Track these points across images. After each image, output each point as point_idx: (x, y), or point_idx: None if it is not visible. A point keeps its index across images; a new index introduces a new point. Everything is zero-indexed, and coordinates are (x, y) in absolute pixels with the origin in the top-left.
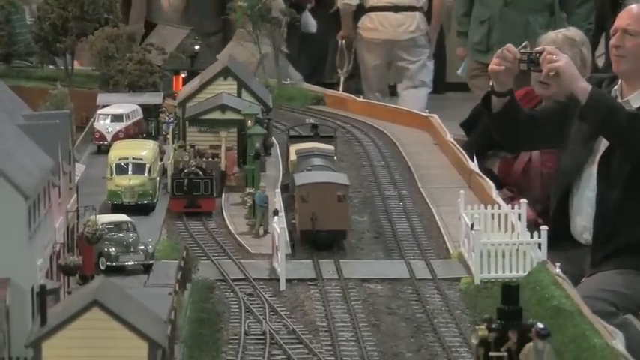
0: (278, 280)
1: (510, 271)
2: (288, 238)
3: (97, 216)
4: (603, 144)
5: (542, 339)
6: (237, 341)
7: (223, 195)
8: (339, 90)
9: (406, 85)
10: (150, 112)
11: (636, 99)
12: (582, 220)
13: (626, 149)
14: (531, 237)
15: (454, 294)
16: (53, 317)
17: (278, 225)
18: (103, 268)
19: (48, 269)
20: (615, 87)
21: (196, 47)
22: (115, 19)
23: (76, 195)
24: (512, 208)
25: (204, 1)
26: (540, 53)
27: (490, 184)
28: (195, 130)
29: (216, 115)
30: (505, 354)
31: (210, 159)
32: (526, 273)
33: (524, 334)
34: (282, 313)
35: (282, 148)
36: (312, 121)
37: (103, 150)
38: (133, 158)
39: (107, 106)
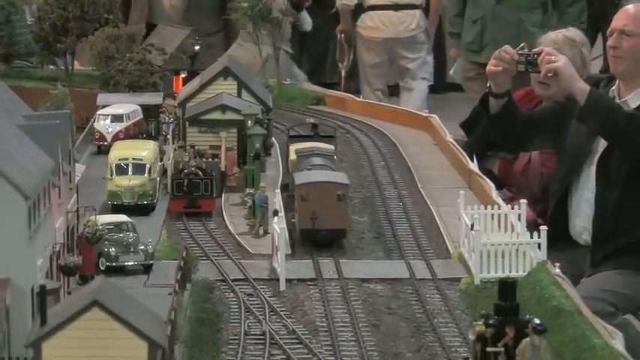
0: (278, 280)
1: (510, 272)
2: (288, 238)
3: (97, 216)
4: (602, 144)
5: (538, 334)
6: (237, 341)
7: (223, 195)
8: (340, 88)
9: (407, 83)
10: (150, 112)
11: (634, 99)
12: (581, 221)
13: (625, 149)
14: (531, 237)
15: (454, 294)
16: (53, 317)
17: (278, 225)
18: (102, 268)
19: (48, 269)
20: (613, 87)
21: (196, 47)
22: (115, 19)
23: (76, 195)
24: (512, 209)
25: (205, 2)
26: (538, 54)
27: (490, 185)
28: (196, 130)
29: (217, 116)
30: (502, 349)
31: (210, 159)
32: (526, 273)
33: (521, 330)
34: (282, 313)
35: (282, 148)
36: (312, 120)
37: (103, 150)
38: (133, 158)
39: (107, 106)
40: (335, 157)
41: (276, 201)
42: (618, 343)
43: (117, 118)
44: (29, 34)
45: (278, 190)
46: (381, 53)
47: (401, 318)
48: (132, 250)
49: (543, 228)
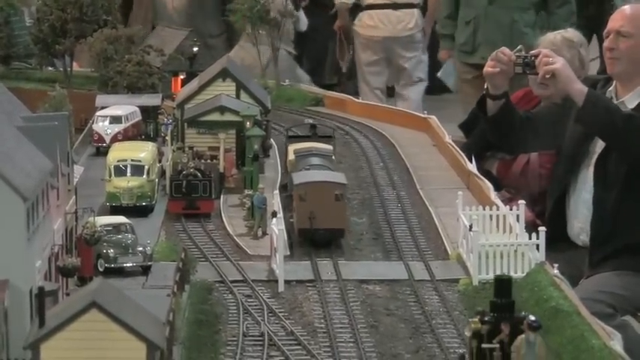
0: (276, 281)
1: (509, 272)
2: (286, 239)
3: (96, 218)
4: (599, 145)
5: (533, 331)
6: (235, 343)
7: (222, 196)
8: (339, 89)
9: (404, 84)
10: (148, 113)
11: (631, 100)
12: (579, 222)
13: (623, 150)
14: (529, 238)
15: (452, 295)
16: (51, 319)
17: (276, 226)
18: (101, 269)
19: (46, 271)
20: (610, 88)
21: (195, 49)
22: (114, 20)
23: (74, 197)
24: (511, 210)
25: (208, 4)
26: (536, 56)
27: (488, 186)
28: (194, 131)
29: (215, 117)
30: (497, 346)
31: (208, 160)
32: (524, 274)
33: (516, 327)
34: (280, 314)
35: (281, 149)
36: (310, 121)
37: (102, 152)
38: (132, 160)
39: (106, 107)
40: (333, 157)
41: (275, 202)
42: (617, 344)
43: (115, 120)
44: (28, 35)
45: (276, 192)
46: (379, 52)
47: (399, 319)
48: (130, 251)
49: (542, 229)
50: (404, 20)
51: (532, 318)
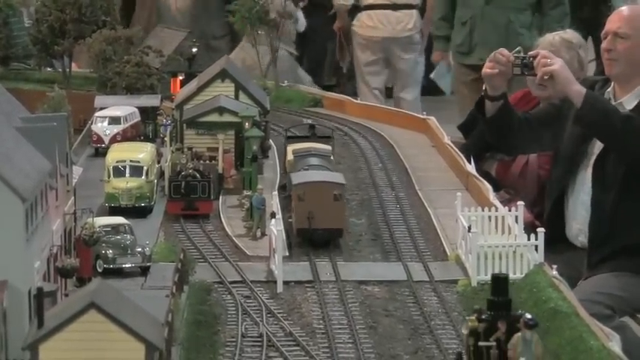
0: (275, 282)
1: (507, 274)
2: (285, 240)
3: (95, 218)
4: (597, 147)
5: (530, 329)
6: (234, 344)
7: (221, 197)
8: (338, 90)
9: (402, 85)
10: (147, 114)
11: (630, 101)
12: (577, 223)
13: (621, 152)
14: (528, 239)
15: (451, 296)
16: (50, 320)
17: (275, 227)
18: (100, 270)
19: (45, 272)
20: (608, 89)
21: (194, 50)
22: (113, 21)
23: (73, 197)
24: (510, 211)
25: (211, 5)
26: (534, 57)
27: (487, 187)
28: (193, 132)
29: (214, 118)
30: (494, 344)
31: (207, 161)
32: (523, 275)
33: (512, 325)
34: (279, 315)
35: (280, 150)
36: (309, 121)
37: (101, 152)
38: (131, 161)
39: (105, 108)
40: (332, 158)
41: (274, 203)
42: (615, 345)
43: (114, 121)
44: (27, 36)
45: (275, 192)
46: (377, 52)
47: (398, 320)
48: (129, 252)
49: (540, 230)
50: (403, 21)
51: (528, 316)
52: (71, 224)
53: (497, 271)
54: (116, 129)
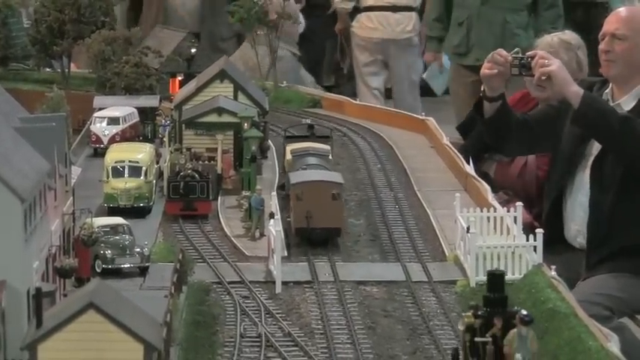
0: (274, 282)
1: (506, 274)
2: (284, 240)
3: (93, 219)
4: (595, 148)
5: (525, 325)
6: (232, 344)
7: (219, 198)
8: (337, 90)
9: (400, 88)
10: (146, 114)
11: (627, 102)
12: (576, 224)
13: (619, 152)
14: (527, 240)
15: (450, 297)
16: (49, 320)
17: (274, 228)
18: (98, 270)
19: (44, 272)
20: (606, 90)
21: (193, 50)
22: (112, 22)
23: (72, 198)
24: (508, 211)
25: (218, 6)
26: (532, 58)
27: (486, 187)
28: (192, 132)
29: (213, 118)
30: (490, 339)
31: (206, 162)
32: (522, 276)
33: (508, 321)
34: (277, 315)
35: (279, 150)
36: (308, 121)
37: (100, 153)
38: (130, 161)
39: (103, 108)
40: (330, 157)
41: (273, 203)
42: (614, 346)
43: (113, 121)
44: (26, 36)
45: (274, 193)
46: (376, 53)
47: (397, 320)
48: (128, 252)
49: (539, 231)
50: (402, 23)
51: (524, 312)
52: (70, 224)
53: None
54: (115, 129)
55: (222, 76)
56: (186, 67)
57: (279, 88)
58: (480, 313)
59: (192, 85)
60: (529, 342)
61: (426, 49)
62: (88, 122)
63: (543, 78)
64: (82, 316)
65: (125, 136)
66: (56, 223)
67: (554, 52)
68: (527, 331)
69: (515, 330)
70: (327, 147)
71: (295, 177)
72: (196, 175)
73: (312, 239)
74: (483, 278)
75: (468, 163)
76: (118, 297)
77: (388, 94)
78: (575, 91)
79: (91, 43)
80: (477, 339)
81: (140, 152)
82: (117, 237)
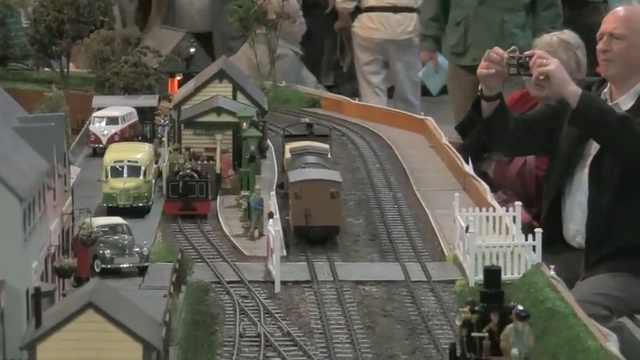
0: (273, 282)
1: (505, 274)
2: (282, 240)
3: (92, 218)
4: (594, 147)
5: (522, 320)
6: (231, 343)
7: (218, 197)
8: (336, 90)
9: (401, 89)
10: (145, 114)
11: (626, 102)
12: (574, 224)
13: (617, 152)
14: (526, 239)
15: (449, 296)
16: (48, 319)
17: (273, 227)
18: (97, 270)
19: (43, 272)
20: (605, 90)
21: (192, 50)
22: (111, 21)
23: (71, 197)
24: (507, 211)
25: (228, 6)
26: (530, 57)
27: (485, 187)
28: (191, 132)
29: (212, 118)
30: (487, 334)
31: (205, 162)
32: (520, 275)
33: (505, 316)
34: (276, 315)
35: (278, 150)
36: (307, 120)
37: (99, 152)
38: (128, 161)
39: (102, 108)
40: (329, 156)
41: (272, 203)
42: (613, 345)
43: (112, 121)
44: (24, 36)
45: (273, 193)
46: (376, 53)
47: (396, 320)
48: (127, 252)
49: (538, 230)
50: (403, 24)
51: (520, 308)
52: (69, 224)
53: None
54: (114, 129)
55: (220, 75)
56: (185, 66)
57: (278, 88)
58: (476, 308)
59: (190, 85)
60: (525, 337)
61: (421, 49)
62: (87, 122)
63: (541, 78)
64: (81, 316)
65: (124, 136)
66: (55, 223)
67: (553, 52)
68: (524, 326)
69: (511, 325)
70: (325, 146)
71: (294, 175)
72: (195, 175)
73: (310, 237)
74: (482, 278)
75: (467, 162)
76: (117, 297)
77: (389, 93)
78: (573, 91)
79: (90, 42)
80: (473, 334)
81: (139, 152)
82: (116, 237)
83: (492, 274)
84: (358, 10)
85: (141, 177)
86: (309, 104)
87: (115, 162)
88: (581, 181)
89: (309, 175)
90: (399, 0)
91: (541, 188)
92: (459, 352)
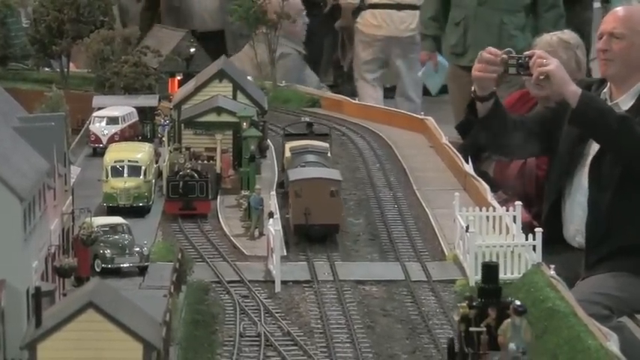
0: (273, 282)
1: (505, 274)
2: (283, 239)
3: (93, 218)
4: (594, 147)
5: (519, 315)
6: (232, 343)
7: (218, 197)
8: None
9: (403, 87)
10: (145, 114)
11: (625, 101)
12: (574, 224)
13: (617, 152)
14: (526, 239)
15: (449, 296)
16: (48, 319)
17: (273, 227)
18: (98, 270)
19: (43, 271)
20: (604, 90)
21: (192, 50)
22: (111, 21)
23: (71, 197)
24: (507, 211)
25: None
26: (530, 57)
27: (485, 187)
28: (191, 132)
29: (212, 118)
30: (484, 329)
31: (205, 161)
32: (521, 275)
33: (503, 311)
34: (277, 315)
35: (278, 150)
36: (307, 119)
37: (99, 152)
38: (129, 161)
39: (103, 108)
40: (329, 155)
41: (272, 203)
42: (613, 345)
43: (112, 121)
44: (25, 36)
45: (273, 192)
46: (378, 51)
47: (396, 320)
48: (127, 251)
49: (538, 230)
50: (406, 21)
51: (518, 303)
52: (69, 224)
53: None
54: (114, 129)
55: (221, 75)
56: (185, 66)
57: (278, 88)
58: (474, 303)
59: (191, 85)
60: (523, 332)
61: (421, 48)
62: (87, 122)
63: (541, 77)
64: (81, 316)
65: (124, 136)
66: (55, 223)
67: (553, 52)
68: (521, 321)
69: (509, 320)
70: (325, 144)
71: (294, 174)
72: (195, 175)
73: (310, 236)
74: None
75: (467, 162)
76: (118, 296)
77: (388, 94)
78: (573, 91)
79: (90, 42)
80: (471, 329)
81: (139, 152)
82: (116, 236)
83: (490, 269)
84: (362, 7)
85: (141, 177)
86: (309, 104)
87: (115, 162)
88: (581, 180)
89: (309, 173)
90: None
91: (541, 188)
92: (457, 348)
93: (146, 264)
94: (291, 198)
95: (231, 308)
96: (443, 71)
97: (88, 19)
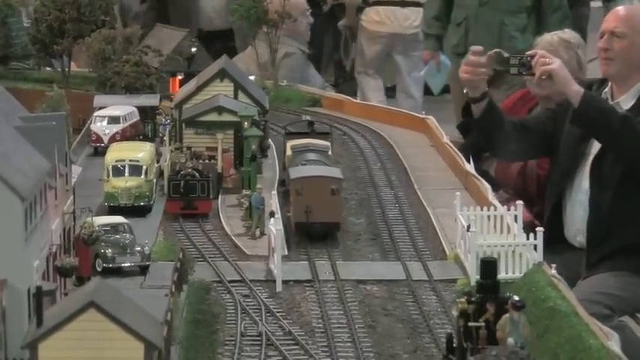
0: (274, 281)
1: (506, 273)
2: (284, 239)
3: (94, 217)
4: (595, 147)
5: (517, 310)
6: (233, 342)
7: (220, 197)
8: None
9: (404, 85)
10: (146, 114)
11: (627, 101)
12: (576, 224)
13: (619, 151)
14: (527, 239)
15: (450, 295)
16: (49, 318)
17: (274, 226)
18: (99, 269)
19: (44, 271)
20: (606, 89)
21: (193, 49)
22: (112, 20)
23: (72, 197)
24: (509, 210)
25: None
26: (532, 57)
27: (486, 186)
28: (192, 131)
29: (213, 117)
30: (483, 324)
31: (206, 161)
32: (522, 274)
33: (501, 307)
34: (278, 314)
35: (279, 149)
36: (308, 118)
37: (100, 152)
38: (130, 160)
39: (104, 108)
40: (330, 153)
41: (273, 202)
42: (614, 344)
43: (113, 120)
44: (26, 35)
45: (274, 192)
46: (381, 48)
47: (397, 319)
48: (128, 251)
49: (539, 229)
50: (410, 18)
51: (516, 298)
52: (70, 223)
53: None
54: (115, 128)
55: (222, 75)
56: (186, 66)
57: (279, 87)
58: (473, 299)
59: (192, 84)
60: (521, 327)
61: (424, 47)
62: (89, 121)
63: (544, 77)
64: (82, 315)
65: (125, 135)
66: (57, 222)
67: (554, 51)
68: (519, 316)
69: (507, 315)
70: (326, 143)
71: (295, 172)
72: (197, 174)
73: (311, 233)
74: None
75: (469, 161)
76: (119, 296)
77: (389, 93)
78: (575, 90)
79: (91, 42)
80: (470, 324)
81: (140, 151)
82: (117, 236)
83: (488, 265)
84: (366, 4)
85: (142, 176)
86: (310, 103)
87: (116, 161)
88: (582, 180)
89: (310, 171)
90: None
91: (542, 187)
92: (455, 342)
93: (147, 263)
94: (292, 196)
95: (233, 308)
96: (445, 70)
97: (89, 18)
